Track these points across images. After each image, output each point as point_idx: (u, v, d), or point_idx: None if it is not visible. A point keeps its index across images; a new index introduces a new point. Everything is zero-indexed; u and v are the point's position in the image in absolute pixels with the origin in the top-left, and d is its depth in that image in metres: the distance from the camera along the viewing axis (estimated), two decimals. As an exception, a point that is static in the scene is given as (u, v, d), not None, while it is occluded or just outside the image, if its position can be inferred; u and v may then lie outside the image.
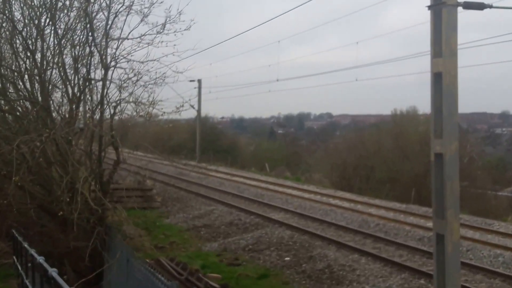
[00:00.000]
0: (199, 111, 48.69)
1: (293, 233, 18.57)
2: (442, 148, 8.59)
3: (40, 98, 12.35)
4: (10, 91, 12.70)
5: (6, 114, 12.67)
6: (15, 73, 12.55)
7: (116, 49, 11.90)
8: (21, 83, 12.45)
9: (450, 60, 8.73)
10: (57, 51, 12.02)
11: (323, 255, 16.02)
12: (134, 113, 12.41)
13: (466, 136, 42.30)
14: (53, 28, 11.88)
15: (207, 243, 18.41)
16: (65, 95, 12.48)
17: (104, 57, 11.98)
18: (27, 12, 11.95)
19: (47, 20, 11.86)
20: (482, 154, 42.89)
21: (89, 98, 12.90)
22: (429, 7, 9.10)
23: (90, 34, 11.91)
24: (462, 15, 10.54)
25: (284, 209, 23.15)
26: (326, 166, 45.05)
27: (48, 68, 12.30)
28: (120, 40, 11.89)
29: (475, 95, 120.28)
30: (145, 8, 11.56)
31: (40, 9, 11.85)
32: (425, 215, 20.86)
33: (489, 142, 60.77)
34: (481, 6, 9.34)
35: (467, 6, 9.25)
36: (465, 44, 19.88)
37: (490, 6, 9.45)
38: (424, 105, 45.18)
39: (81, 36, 12.15)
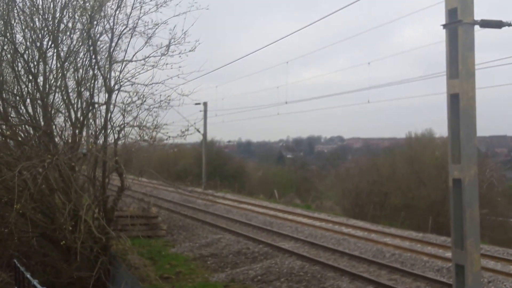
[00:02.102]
0: (205, 135, 47.90)
1: (304, 263, 17.94)
2: (460, 173, 8.23)
3: (42, 123, 12.15)
4: (11, 115, 12.51)
5: (8, 139, 12.42)
6: (17, 97, 12.40)
7: (120, 72, 11.72)
8: (23, 108, 12.29)
9: (467, 81, 8.35)
10: (60, 74, 11.83)
11: (336, 286, 15.39)
12: (139, 138, 12.13)
13: (485, 160, 40.93)
14: (55, 50, 11.72)
15: (214, 274, 17.83)
16: (68, 120, 12.26)
17: (107, 80, 11.78)
18: (28, 34, 11.82)
19: (50, 43, 11.71)
20: (502, 179, 41.43)
21: (93, 122, 12.66)
22: (444, 26, 8.74)
23: (93, 56, 11.71)
24: (479, 33, 10.09)
25: (294, 237, 22.52)
26: (337, 192, 44.17)
27: (51, 91, 12.12)
28: (124, 63, 11.70)
29: (494, 117, 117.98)
30: (149, 29, 11.37)
31: (42, 31, 11.69)
32: (444, 244, 20.19)
33: (510, 167, 59.31)
34: (499, 24, 8.97)
35: (484, 24, 8.88)
36: (482, 64, 19.31)
37: (509, 24, 9.07)
38: (440, 128, 44.04)
39: (84, 59, 12.00)
